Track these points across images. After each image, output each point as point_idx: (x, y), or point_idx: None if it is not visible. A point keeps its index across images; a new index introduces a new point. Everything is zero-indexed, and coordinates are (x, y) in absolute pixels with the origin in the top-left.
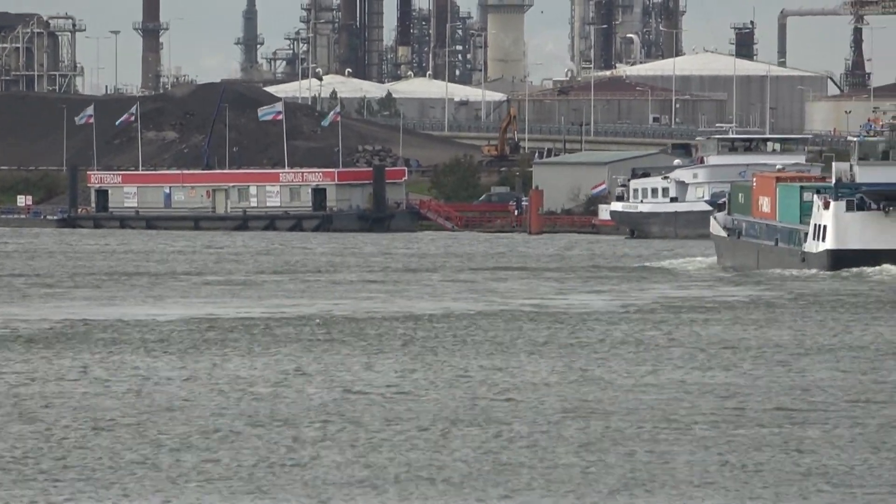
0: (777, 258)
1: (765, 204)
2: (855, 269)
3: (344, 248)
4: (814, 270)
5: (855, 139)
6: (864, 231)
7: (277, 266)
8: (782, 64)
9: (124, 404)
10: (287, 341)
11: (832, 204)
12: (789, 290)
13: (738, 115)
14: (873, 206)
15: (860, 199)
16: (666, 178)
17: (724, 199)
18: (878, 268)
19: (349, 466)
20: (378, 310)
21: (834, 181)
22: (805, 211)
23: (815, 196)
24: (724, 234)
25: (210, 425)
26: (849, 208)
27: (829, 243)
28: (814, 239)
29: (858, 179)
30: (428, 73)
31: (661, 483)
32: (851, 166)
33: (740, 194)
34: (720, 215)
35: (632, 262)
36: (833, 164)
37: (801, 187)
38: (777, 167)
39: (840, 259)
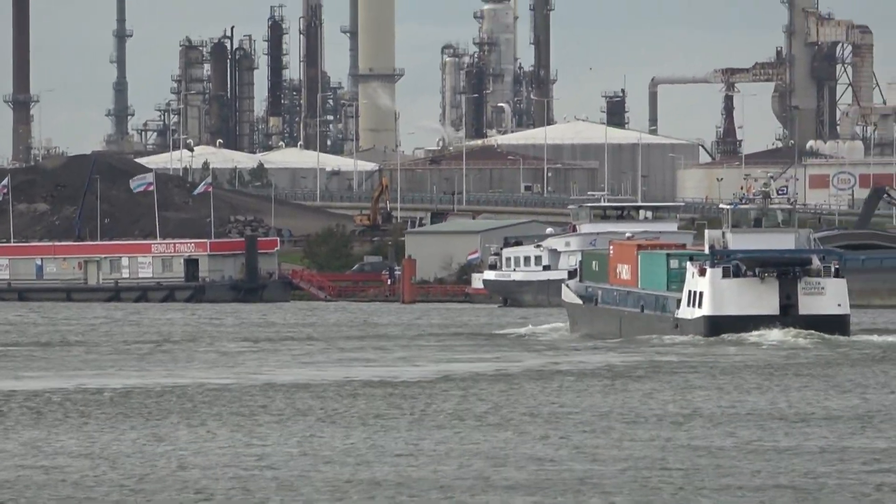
0: (644, 325)
1: (624, 271)
2: (733, 335)
3: (208, 317)
4: (689, 336)
5: (727, 207)
6: (741, 297)
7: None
8: (653, 132)
9: None
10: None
11: (708, 271)
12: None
13: (609, 183)
14: (749, 272)
15: (736, 265)
16: (538, 246)
17: (575, 267)
18: (756, 333)
19: None
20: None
21: (707, 248)
22: (672, 278)
23: (689, 263)
24: (578, 301)
25: None
26: (725, 275)
27: (706, 309)
28: (688, 305)
29: (731, 246)
30: (299, 143)
31: None
32: (724, 233)
33: (594, 262)
34: (572, 283)
35: (491, 328)
36: (706, 231)
37: (668, 255)
38: (626, 235)
39: (717, 325)
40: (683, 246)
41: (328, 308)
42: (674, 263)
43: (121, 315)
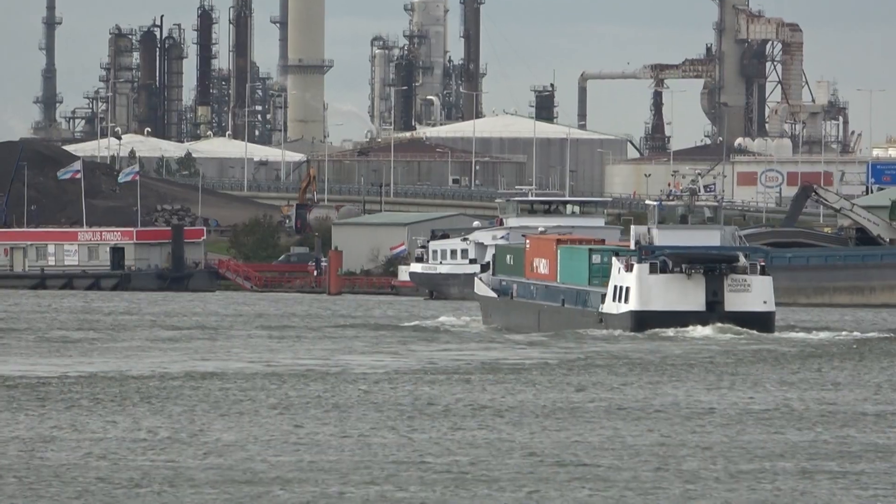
0: (565, 319)
1: (542, 265)
2: (658, 330)
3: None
4: (615, 331)
5: (653, 203)
6: (668, 293)
7: None
8: (582, 127)
9: None
10: None
11: (635, 266)
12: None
13: (537, 177)
14: (676, 269)
15: (663, 261)
16: (465, 239)
17: (487, 261)
18: (685, 328)
19: None
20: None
21: (633, 244)
22: (595, 273)
23: (615, 259)
24: (492, 294)
25: None
26: (652, 270)
27: (632, 304)
28: (614, 300)
29: (657, 243)
30: (227, 132)
31: None
32: (649, 230)
33: (508, 256)
34: (485, 276)
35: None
36: (632, 227)
37: (591, 250)
38: (539, 230)
39: (644, 320)
40: (603, 241)
41: (248, 299)
42: (596, 258)
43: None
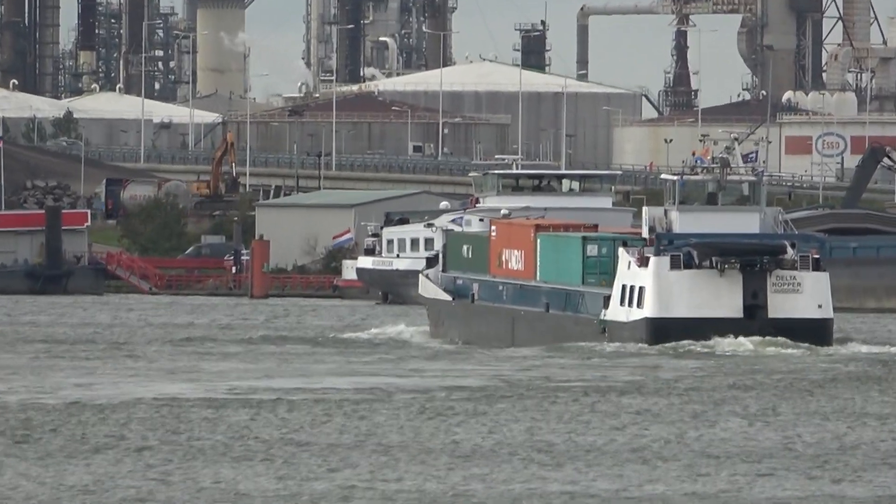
0: (551, 329)
1: (514, 259)
2: (683, 342)
3: None
4: (626, 344)
5: (671, 178)
6: (695, 295)
7: None
8: (582, 77)
9: None
10: None
11: (652, 260)
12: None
13: (525, 143)
14: (704, 263)
15: (687, 254)
16: (430, 225)
17: (436, 252)
18: (710, 342)
19: None
20: None
21: (646, 231)
22: (590, 269)
23: (623, 250)
24: (444, 296)
25: None
26: (674, 265)
27: (648, 310)
28: (622, 304)
29: (677, 229)
30: (118, 86)
31: None
32: (667, 212)
33: (465, 246)
34: (432, 272)
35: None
36: (644, 209)
37: (584, 238)
38: (502, 212)
39: (663, 330)
40: (596, 227)
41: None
42: (592, 250)
43: None
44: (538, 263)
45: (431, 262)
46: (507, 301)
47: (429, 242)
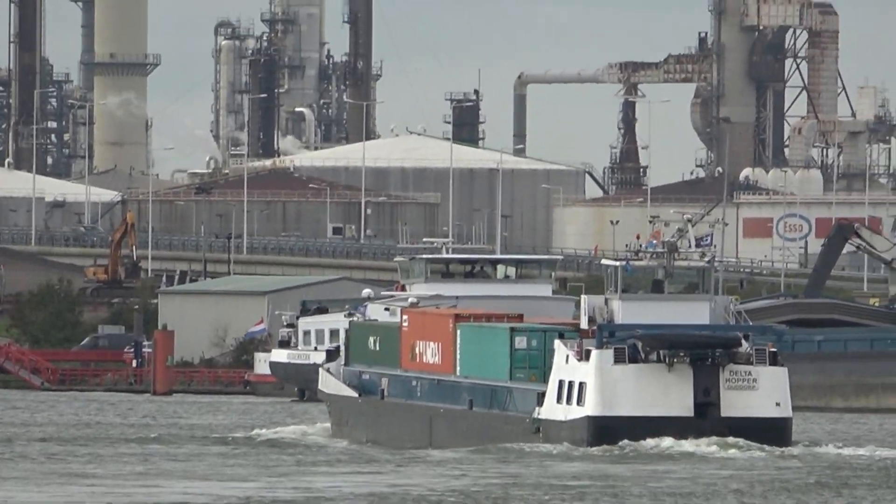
0: (476, 428)
1: (429, 352)
2: (626, 442)
3: None
4: (560, 445)
5: (615, 264)
6: (641, 391)
7: None
8: (520, 152)
9: None
10: None
11: (594, 353)
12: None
13: (456, 225)
14: (651, 356)
15: (633, 346)
16: (351, 314)
17: (336, 346)
18: (653, 441)
19: None
20: None
21: (585, 321)
22: (519, 362)
23: (559, 343)
24: (349, 392)
25: None
26: (618, 359)
27: (590, 407)
28: (559, 402)
29: (620, 319)
30: (7, 160)
31: None
32: (608, 301)
33: (372, 338)
34: (333, 366)
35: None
36: (583, 297)
37: (513, 329)
38: (410, 301)
39: (607, 429)
40: (521, 317)
41: (34, 402)
42: (521, 342)
43: None
44: (458, 356)
45: (332, 354)
46: (422, 398)
47: None
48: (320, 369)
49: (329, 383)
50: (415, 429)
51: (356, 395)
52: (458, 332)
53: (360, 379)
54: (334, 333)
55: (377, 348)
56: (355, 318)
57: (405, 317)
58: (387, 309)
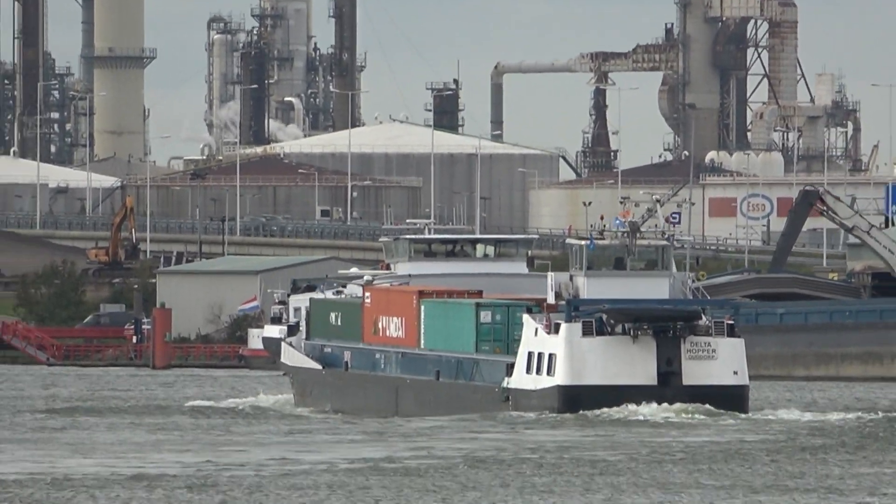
0: (444, 398)
1: (392, 326)
2: (595, 411)
3: None
4: (531, 413)
5: (580, 243)
6: (608, 362)
7: None
8: (497, 138)
9: None
10: None
11: (563, 326)
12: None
13: (437, 207)
14: (617, 329)
15: (599, 320)
16: (339, 292)
17: (296, 321)
18: (621, 408)
19: None
20: None
21: (552, 296)
22: (485, 335)
23: (528, 317)
24: (313, 365)
25: None
26: (586, 332)
27: (560, 377)
28: (528, 372)
29: (585, 294)
30: (13, 149)
31: None
32: (573, 277)
33: (333, 314)
34: (295, 340)
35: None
36: (549, 274)
37: (478, 304)
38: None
39: (576, 398)
40: (480, 293)
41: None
42: (485, 316)
43: None
44: (422, 330)
45: (293, 329)
46: (387, 369)
47: None
48: (282, 343)
49: (292, 356)
50: (380, 399)
51: (319, 367)
52: (423, 307)
53: (321, 352)
54: None
55: (339, 323)
56: (319, 295)
57: (367, 294)
58: (337, 292)
